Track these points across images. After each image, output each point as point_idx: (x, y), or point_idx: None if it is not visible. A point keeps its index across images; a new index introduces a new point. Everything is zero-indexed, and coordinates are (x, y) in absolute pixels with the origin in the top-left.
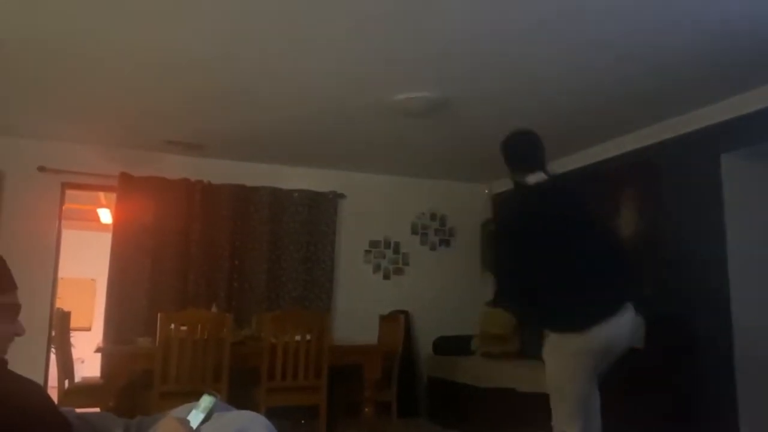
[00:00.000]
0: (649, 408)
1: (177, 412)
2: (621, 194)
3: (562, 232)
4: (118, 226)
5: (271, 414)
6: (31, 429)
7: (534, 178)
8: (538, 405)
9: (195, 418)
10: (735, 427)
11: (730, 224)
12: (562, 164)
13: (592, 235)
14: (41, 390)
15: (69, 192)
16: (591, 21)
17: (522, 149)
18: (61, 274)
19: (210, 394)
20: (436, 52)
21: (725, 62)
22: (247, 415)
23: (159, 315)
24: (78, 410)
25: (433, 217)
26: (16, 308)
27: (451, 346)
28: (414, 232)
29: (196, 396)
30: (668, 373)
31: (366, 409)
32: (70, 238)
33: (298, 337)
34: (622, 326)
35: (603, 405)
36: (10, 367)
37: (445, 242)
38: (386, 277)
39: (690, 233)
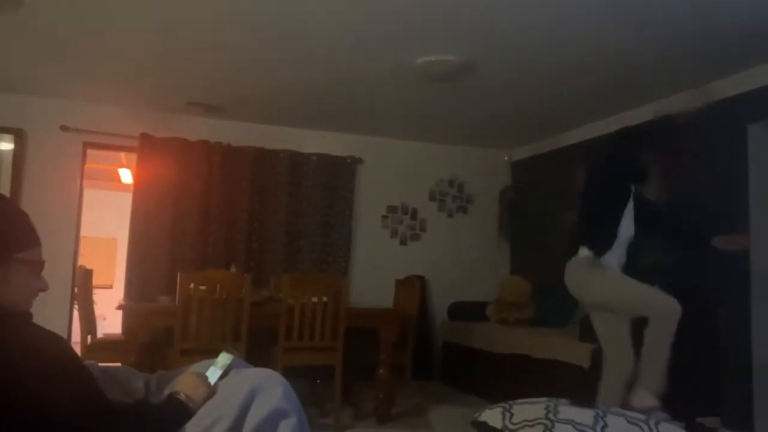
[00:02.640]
0: None
1: (196, 367)
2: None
3: None
4: (138, 187)
5: (288, 373)
6: (57, 377)
7: None
8: (552, 371)
9: (213, 373)
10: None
11: (754, 196)
12: (587, 130)
13: None
14: (65, 342)
15: (90, 152)
16: None
17: None
18: (82, 232)
19: (228, 351)
20: (460, 13)
21: (752, 31)
22: (263, 372)
23: (179, 274)
24: (100, 364)
25: (451, 183)
26: (40, 264)
27: (465, 311)
28: (432, 198)
29: (215, 353)
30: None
31: (381, 371)
32: (92, 197)
33: (315, 299)
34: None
35: None
36: (35, 322)
37: (463, 209)
38: (403, 242)
39: (713, 204)
